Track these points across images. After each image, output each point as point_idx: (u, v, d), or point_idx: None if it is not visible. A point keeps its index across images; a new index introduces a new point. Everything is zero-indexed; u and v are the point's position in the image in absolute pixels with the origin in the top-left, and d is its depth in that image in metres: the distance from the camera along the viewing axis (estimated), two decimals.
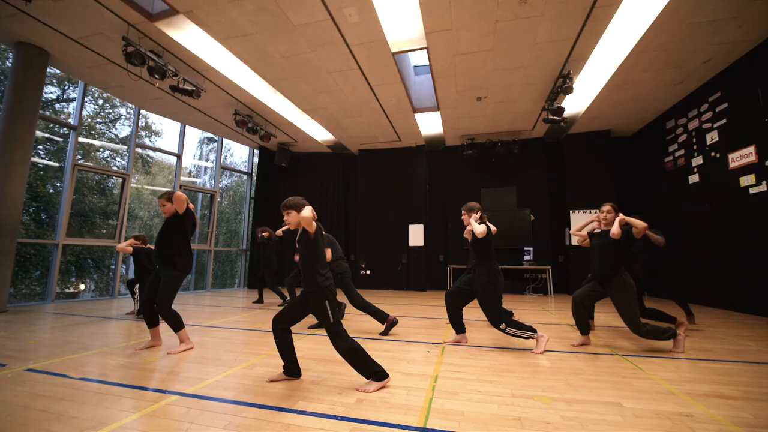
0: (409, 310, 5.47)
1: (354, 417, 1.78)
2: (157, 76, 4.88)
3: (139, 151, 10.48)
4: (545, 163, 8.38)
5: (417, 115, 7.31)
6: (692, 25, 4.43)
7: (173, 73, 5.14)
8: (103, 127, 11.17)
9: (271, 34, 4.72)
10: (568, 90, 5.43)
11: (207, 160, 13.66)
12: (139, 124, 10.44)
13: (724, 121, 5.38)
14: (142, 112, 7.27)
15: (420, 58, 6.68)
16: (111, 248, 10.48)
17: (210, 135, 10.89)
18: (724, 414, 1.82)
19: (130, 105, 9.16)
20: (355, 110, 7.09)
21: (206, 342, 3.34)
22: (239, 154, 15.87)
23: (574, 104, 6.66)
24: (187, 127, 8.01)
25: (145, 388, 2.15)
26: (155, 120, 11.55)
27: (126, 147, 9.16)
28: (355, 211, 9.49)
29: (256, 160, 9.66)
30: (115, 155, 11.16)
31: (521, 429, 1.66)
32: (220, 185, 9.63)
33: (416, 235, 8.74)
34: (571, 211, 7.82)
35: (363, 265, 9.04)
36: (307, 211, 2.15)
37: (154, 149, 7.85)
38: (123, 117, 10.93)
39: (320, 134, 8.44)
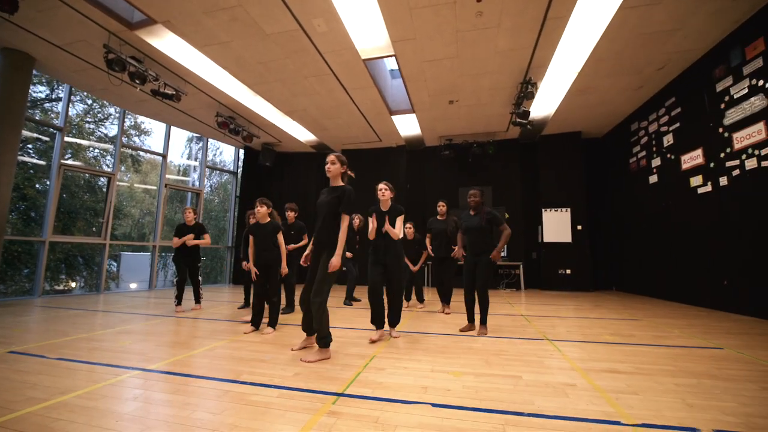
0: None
1: (287, 386, 2.08)
2: (137, 81, 5.14)
3: (128, 150, 10.70)
4: (520, 162, 8.69)
5: (394, 117, 7.59)
6: (643, 35, 4.73)
7: (154, 78, 5.39)
8: (92, 126, 11.37)
9: (246, 42, 4.99)
10: (531, 95, 5.73)
11: (196, 159, 13.90)
12: (128, 123, 10.65)
13: (678, 124, 5.70)
14: (130, 111, 7.49)
15: (394, 63, 6.93)
16: (101, 246, 10.76)
17: (198, 135, 11.11)
18: (603, 384, 2.13)
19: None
20: (333, 112, 7.36)
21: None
22: (229, 152, 16.08)
23: (544, 107, 6.96)
24: (172, 127, 8.25)
25: (117, 366, 2.44)
26: (144, 119, 11.76)
27: (113, 146, 9.39)
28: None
29: (240, 160, 9.92)
30: (105, 154, 11.36)
31: (424, 394, 1.97)
32: (211, 183, 9.91)
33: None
34: (543, 209, 8.14)
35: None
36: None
37: (140, 149, 8.09)
38: (112, 116, 11.13)
39: (303, 135, 8.71)
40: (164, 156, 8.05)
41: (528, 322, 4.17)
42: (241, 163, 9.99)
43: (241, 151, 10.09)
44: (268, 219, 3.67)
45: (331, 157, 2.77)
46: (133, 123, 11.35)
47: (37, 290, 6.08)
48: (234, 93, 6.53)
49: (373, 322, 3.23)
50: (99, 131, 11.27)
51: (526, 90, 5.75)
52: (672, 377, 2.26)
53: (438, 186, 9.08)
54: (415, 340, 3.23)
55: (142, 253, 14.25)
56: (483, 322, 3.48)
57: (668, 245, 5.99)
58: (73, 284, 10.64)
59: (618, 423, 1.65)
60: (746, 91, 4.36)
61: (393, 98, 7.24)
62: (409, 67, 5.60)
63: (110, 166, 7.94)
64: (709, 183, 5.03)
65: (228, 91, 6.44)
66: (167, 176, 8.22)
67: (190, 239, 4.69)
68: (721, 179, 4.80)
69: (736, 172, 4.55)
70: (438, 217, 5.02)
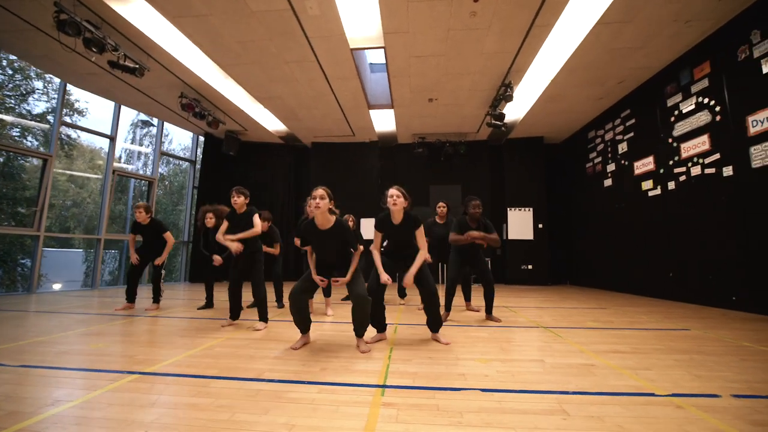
0: None
1: (321, 381, 1.95)
2: (95, 50, 4.49)
3: (69, 131, 9.36)
4: (488, 163, 9.10)
5: (372, 112, 7.52)
6: (612, 50, 5.19)
7: (113, 48, 4.75)
8: (11, 101, 9.73)
9: (227, 17, 4.60)
10: (509, 98, 6.02)
11: (141, 145, 12.57)
12: (58, 101, 9.30)
13: (632, 134, 6.36)
14: (73, 85, 6.52)
15: (376, 57, 6.89)
16: (21, 239, 9.23)
17: (145, 118, 10.07)
18: (617, 363, 2.30)
19: (50, 78, 8.18)
20: (310, 102, 7.09)
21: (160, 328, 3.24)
22: (178, 140, 14.80)
23: (514, 111, 7.35)
24: (122, 107, 7.36)
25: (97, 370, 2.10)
26: (80, 97, 10.35)
27: (48, 126, 8.13)
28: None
29: (200, 147, 9.16)
30: (26, 133, 9.78)
31: (465, 380, 1.96)
32: (161, 172, 8.99)
33: (369, 230, 8.96)
34: (509, 209, 8.62)
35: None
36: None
37: (84, 129, 7.01)
38: (39, 91, 9.63)
39: (272, 124, 8.28)
40: (113, 138, 7.15)
41: (514, 312, 4.37)
42: (200, 151, 9.22)
43: (200, 139, 9.31)
44: (245, 209, 3.45)
45: (320, 192, 2.52)
46: (65, 101, 9.91)
47: None
48: (203, 73, 5.99)
49: (373, 324, 2.93)
50: (21, 108, 9.68)
51: (505, 93, 6.03)
52: (667, 354, 2.50)
53: (409, 183, 9.13)
54: (418, 332, 3.21)
55: (70, 250, 12.54)
56: (490, 310, 3.67)
57: (620, 242, 6.67)
58: None
59: (652, 394, 1.78)
60: (693, 107, 4.99)
61: (372, 92, 7.17)
62: (396, 61, 5.58)
63: (34, 146, 6.85)
64: (659, 187, 5.68)
65: (197, 71, 5.90)
66: (114, 164, 7.31)
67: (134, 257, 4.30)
68: (669, 184, 5.45)
69: (682, 178, 5.19)
70: (437, 220, 4.60)
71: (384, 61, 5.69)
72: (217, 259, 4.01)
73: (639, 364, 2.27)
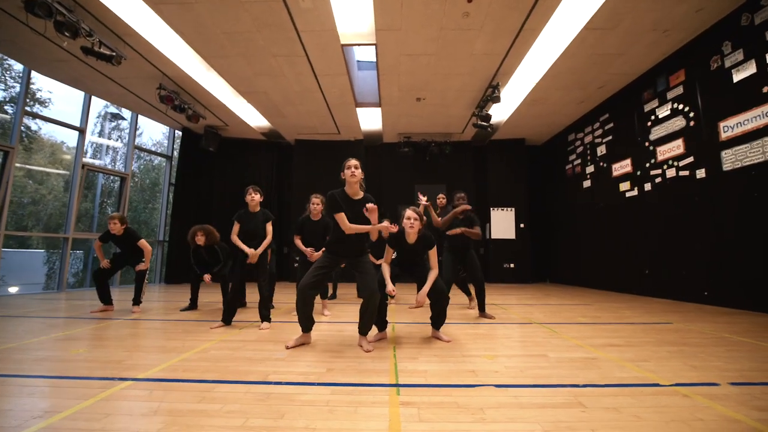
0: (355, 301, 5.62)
1: (331, 382, 1.88)
2: (67, 35, 4.17)
3: (35, 121, 8.66)
4: (472, 164, 9.24)
5: (359, 110, 7.45)
6: (594, 56, 5.38)
7: (87, 33, 4.44)
8: None
9: (214, 6, 4.41)
10: (497, 99, 6.13)
11: (110, 138, 11.88)
12: (17, 90, 8.63)
13: (611, 137, 6.64)
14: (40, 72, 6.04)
15: (364, 54, 6.83)
16: None
17: (115, 110, 9.54)
18: (616, 356, 2.37)
19: (9, 64, 7.58)
20: (296, 98, 6.94)
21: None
22: (149, 134, 14.12)
23: (498, 113, 7.49)
24: (93, 98, 6.92)
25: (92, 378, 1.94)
26: (43, 86, 9.64)
27: (8, 116, 7.50)
28: (289, 203, 9.24)
29: (175, 142, 8.76)
30: None
31: (477, 377, 1.96)
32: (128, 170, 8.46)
33: None
34: (492, 209, 8.78)
35: (297, 259, 8.86)
36: None
37: (51, 120, 6.43)
38: None
39: (255, 120, 8.03)
40: (82, 131, 6.70)
41: (504, 309, 4.44)
42: (177, 147, 8.81)
43: (177, 134, 8.91)
44: (259, 208, 3.52)
45: (355, 162, 2.65)
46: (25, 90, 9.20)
47: None
48: (184, 64, 5.72)
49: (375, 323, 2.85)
50: None
51: (492, 94, 6.13)
52: (659, 346, 2.61)
53: (394, 182, 9.16)
54: (420, 331, 3.20)
55: (29, 250, 11.68)
56: (483, 308, 3.69)
57: (598, 242, 6.94)
58: None
59: (657, 385, 1.84)
60: (669, 112, 5.27)
61: (359, 90, 7.10)
62: (387, 58, 5.55)
63: None
64: (636, 188, 5.95)
65: (177, 61, 5.62)
66: (83, 159, 6.86)
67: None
68: (645, 185, 5.72)
69: (658, 180, 5.47)
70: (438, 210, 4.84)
71: (372, 59, 5.66)
72: (207, 277, 3.89)
73: (636, 356, 2.35)
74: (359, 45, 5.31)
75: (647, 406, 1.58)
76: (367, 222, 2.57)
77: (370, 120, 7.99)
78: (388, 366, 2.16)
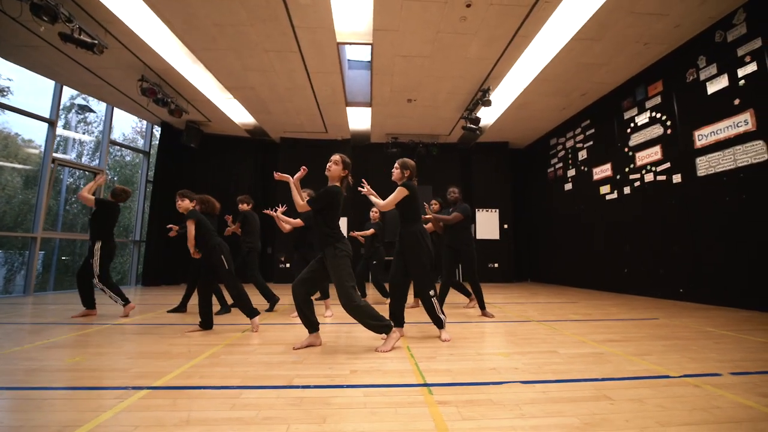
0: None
1: (360, 383, 1.87)
2: (45, 19, 3.88)
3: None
4: (458, 165, 9.40)
5: (348, 109, 7.40)
6: (580, 64, 5.63)
7: (67, 18, 4.15)
8: None
9: None
10: (488, 103, 6.27)
11: (77, 131, 11.13)
12: None
13: (592, 142, 6.97)
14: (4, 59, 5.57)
15: (356, 53, 6.79)
16: None
17: (83, 103, 8.97)
18: (620, 350, 2.50)
19: None
20: (285, 95, 6.79)
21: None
22: (121, 129, 13.42)
23: (486, 117, 7.67)
24: (64, 88, 6.46)
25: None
26: (1, 72, 8.89)
27: None
28: (274, 202, 9.01)
29: (154, 138, 8.34)
30: None
31: (500, 374, 2.00)
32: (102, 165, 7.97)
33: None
34: (477, 209, 8.98)
35: (282, 258, 8.69)
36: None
37: (16, 110, 5.85)
38: None
39: (240, 116, 7.79)
40: (52, 123, 6.25)
41: (500, 308, 4.56)
42: (156, 142, 8.38)
43: (156, 129, 8.49)
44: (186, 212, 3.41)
45: (335, 157, 2.76)
46: None
47: None
48: (168, 55, 5.47)
49: (392, 319, 2.89)
50: None
51: (483, 98, 6.27)
52: (656, 341, 2.77)
53: (382, 182, 9.12)
54: (423, 330, 3.22)
55: None
56: (483, 306, 3.79)
57: (579, 242, 7.27)
58: None
59: (667, 376, 1.96)
60: (647, 120, 5.60)
61: (350, 89, 7.05)
62: (381, 58, 5.55)
63: None
64: (615, 191, 6.28)
65: (162, 52, 5.36)
66: (54, 154, 6.40)
67: None
68: (625, 189, 6.05)
69: (637, 184, 5.79)
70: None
71: (364, 58, 5.64)
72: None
73: (638, 351, 2.48)
74: (354, 44, 5.28)
75: (666, 397, 1.68)
76: (328, 222, 2.66)
77: (358, 119, 7.95)
78: (410, 366, 2.16)
